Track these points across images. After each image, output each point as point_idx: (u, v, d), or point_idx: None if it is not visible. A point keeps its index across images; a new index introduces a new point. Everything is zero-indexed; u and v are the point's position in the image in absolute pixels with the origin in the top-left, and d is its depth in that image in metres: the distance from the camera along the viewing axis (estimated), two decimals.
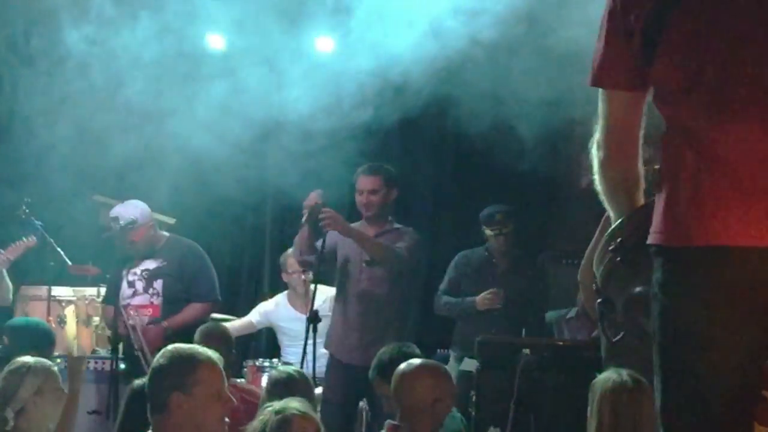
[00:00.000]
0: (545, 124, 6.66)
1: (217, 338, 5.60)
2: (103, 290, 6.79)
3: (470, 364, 5.98)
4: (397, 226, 6.62)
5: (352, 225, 6.51)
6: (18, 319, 6.68)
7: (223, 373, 3.70)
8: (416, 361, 4.44)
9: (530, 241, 7.51)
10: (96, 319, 6.75)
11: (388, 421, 4.30)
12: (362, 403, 6.27)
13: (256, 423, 3.89)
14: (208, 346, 3.89)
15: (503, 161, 7.14)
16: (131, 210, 6.50)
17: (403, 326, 6.43)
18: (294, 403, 3.93)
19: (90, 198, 6.63)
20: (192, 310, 6.56)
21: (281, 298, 7.52)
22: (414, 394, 4.24)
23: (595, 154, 2.56)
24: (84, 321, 6.31)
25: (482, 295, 6.87)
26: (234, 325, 7.14)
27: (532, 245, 7.51)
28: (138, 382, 4.60)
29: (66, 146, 7.12)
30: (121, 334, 6.28)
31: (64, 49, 6.78)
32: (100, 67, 7.15)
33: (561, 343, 6.01)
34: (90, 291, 6.81)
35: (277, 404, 3.95)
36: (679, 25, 2.31)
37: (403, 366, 4.36)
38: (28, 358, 4.68)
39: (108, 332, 6.42)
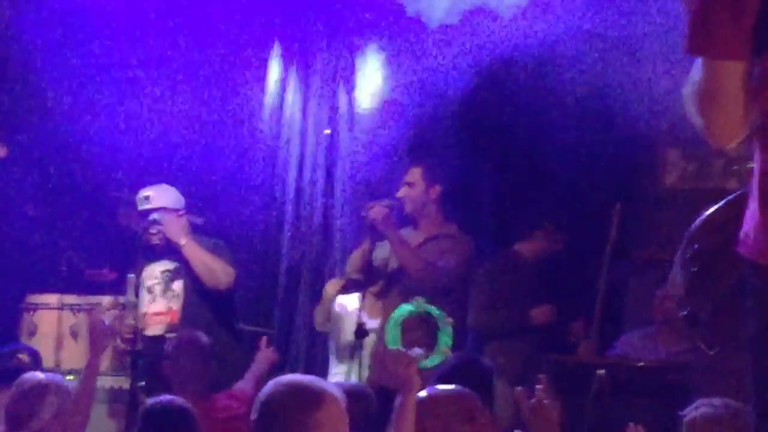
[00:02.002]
0: (623, 115, 6.12)
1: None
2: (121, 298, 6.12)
3: None
4: (450, 231, 5.89)
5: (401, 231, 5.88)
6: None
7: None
8: (444, 386, 3.94)
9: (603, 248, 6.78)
10: None
11: None
12: None
13: None
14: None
15: (573, 156, 6.50)
16: (163, 195, 5.85)
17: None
18: None
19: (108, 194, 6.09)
20: (215, 259, 5.83)
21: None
22: (437, 424, 3.73)
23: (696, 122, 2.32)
24: None
25: (538, 309, 6.10)
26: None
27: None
28: (152, 402, 4.07)
29: (81, 138, 6.66)
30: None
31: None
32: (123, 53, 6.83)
33: (641, 364, 5.51)
34: (107, 298, 6.15)
35: None
36: None
37: (424, 392, 3.83)
38: (39, 375, 4.36)
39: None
